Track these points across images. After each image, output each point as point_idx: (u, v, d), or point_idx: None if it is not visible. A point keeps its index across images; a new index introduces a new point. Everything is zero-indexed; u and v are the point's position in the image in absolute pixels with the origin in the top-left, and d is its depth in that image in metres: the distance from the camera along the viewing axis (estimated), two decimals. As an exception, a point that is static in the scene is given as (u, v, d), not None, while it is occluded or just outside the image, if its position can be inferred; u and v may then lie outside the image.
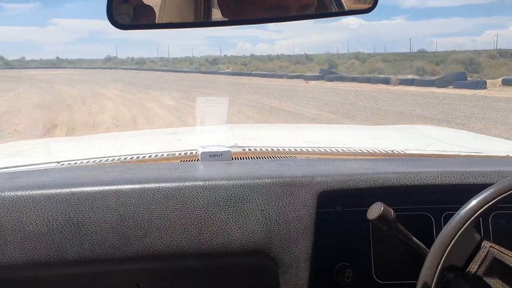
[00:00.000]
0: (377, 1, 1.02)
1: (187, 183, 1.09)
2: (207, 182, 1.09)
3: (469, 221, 0.91)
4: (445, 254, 0.89)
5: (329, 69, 33.83)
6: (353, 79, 27.40)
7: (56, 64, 74.20)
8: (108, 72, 45.44)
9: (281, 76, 33.30)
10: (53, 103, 16.34)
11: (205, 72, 41.43)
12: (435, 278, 0.88)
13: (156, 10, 1.00)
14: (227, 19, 1.02)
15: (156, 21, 0.99)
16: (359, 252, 1.17)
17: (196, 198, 1.07)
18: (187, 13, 1.06)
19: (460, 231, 0.91)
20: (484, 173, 1.15)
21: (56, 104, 16.12)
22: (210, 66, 51.22)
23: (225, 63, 53.92)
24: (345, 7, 1.07)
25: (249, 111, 13.32)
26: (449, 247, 0.90)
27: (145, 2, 0.97)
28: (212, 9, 1.06)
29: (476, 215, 0.92)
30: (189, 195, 1.07)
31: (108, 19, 0.88)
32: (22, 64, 76.80)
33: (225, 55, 67.13)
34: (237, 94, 19.70)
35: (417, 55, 39.16)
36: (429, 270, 0.89)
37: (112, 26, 0.89)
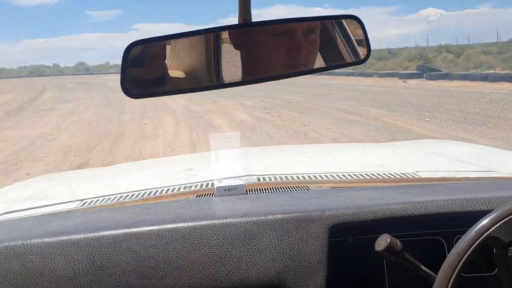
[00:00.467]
0: (370, 52, 1.11)
1: (203, 222, 1.15)
2: (222, 221, 1.15)
3: (479, 240, 0.94)
4: (453, 276, 0.92)
5: (425, 64, 30.77)
6: (464, 77, 23.49)
7: None
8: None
9: (369, 75, 30.59)
10: (106, 121, 14.73)
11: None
12: None
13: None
14: (240, 80, 1.07)
15: (167, 87, 1.05)
16: (374, 281, 1.20)
17: (212, 236, 1.13)
18: (198, 76, 1.09)
19: (468, 253, 0.94)
20: (491, 199, 1.18)
21: (108, 122, 14.44)
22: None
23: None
24: (345, 59, 1.14)
25: (353, 132, 10.51)
26: (457, 269, 0.93)
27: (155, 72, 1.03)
28: (223, 69, 1.09)
29: (486, 234, 0.95)
30: (205, 234, 1.13)
31: (122, 89, 0.96)
32: (104, 69, 79.49)
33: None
34: (326, 100, 17.43)
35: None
36: None
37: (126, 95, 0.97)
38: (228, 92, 19.50)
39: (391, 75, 29.19)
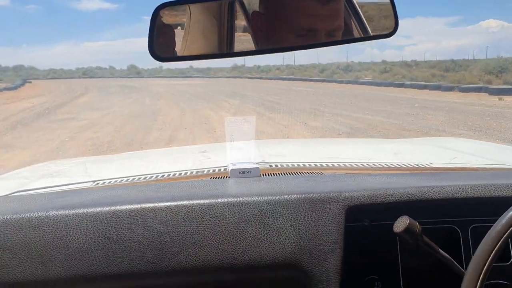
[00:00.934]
0: (398, 25, 1.06)
1: (219, 200, 1.15)
2: (238, 199, 1.15)
3: (510, 230, 0.90)
4: (485, 268, 0.89)
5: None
6: None
7: (186, 73, 73.75)
8: (231, 82, 41.95)
9: (449, 88, 25.52)
10: (124, 143, 11.30)
11: (340, 81, 35.39)
12: None
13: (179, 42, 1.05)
14: (254, 49, 1.08)
15: (183, 53, 1.05)
16: (387, 265, 1.19)
17: (228, 214, 1.13)
18: (211, 43, 1.11)
19: (500, 241, 0.90)
20: (510, 186, 1.17)
21: (127, 146, 10.82)
22: (344, 73, 44.71)
23: (360, 70, 47.21)
24: (369, 31, 1.12)
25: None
26: (489, 259, 0.90)
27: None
28: (237, 37, 1.11)
29: None
30: (221, 211, 1.13)
31: (149, 52, 0.97)
32: (155, 73, 78.21)
33: (352, 61, 61.88)
34: (419, 125, 12.98)
35: None
36: (469, 285, 0.89)
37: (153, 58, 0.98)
38: (284, 105, 17.34)
39: (478, 90, 24.43)
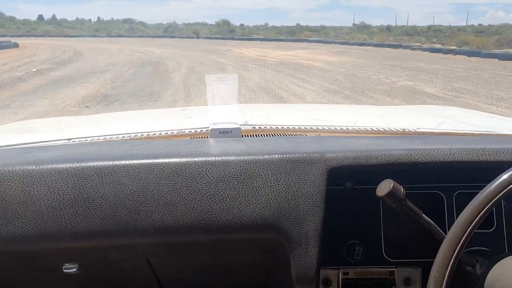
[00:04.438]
0: None
1: (196, 159, 1.10)
2: (216, 158, 1.11)
3: (498, 196, 0.87)
4: (465, 234, 0.87)
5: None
6: None
7: (295, 32, 61.29)
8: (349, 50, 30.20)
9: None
10: None
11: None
12: (452, 259, 0.86)
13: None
14: None
15: None
16: (369, 230, 1.17)
17: (206, 173, 1.09)
18: None
19: (486, 207, 0.87)
20: (498, 150, 1.13)
21: None
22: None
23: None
24: None
25: None
26: (472, 225, 0.87)
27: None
28: None
29: (506, 190, 0.88)
30: (198, 170, 1.09)
31: None
32: (257, 31, 66.99)
33: (472, 25, 56.71)
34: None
35: None
36: (447, 250, 0.87)
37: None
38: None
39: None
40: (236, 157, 1.11)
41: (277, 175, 1.09)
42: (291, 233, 1.07)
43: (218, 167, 1.09)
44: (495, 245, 1.15)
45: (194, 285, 1.36)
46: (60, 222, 1.06)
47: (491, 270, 1.00)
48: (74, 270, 1.17)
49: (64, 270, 1.17)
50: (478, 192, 0.90)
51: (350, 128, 1.61)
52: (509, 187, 0.86)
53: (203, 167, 1.09)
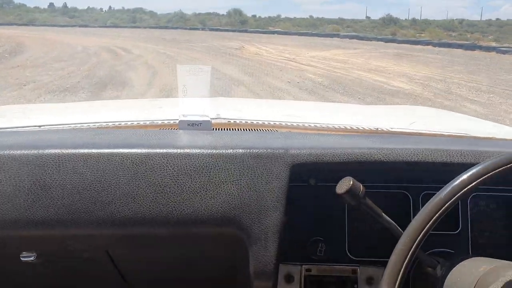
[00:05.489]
0: None
1: (158, 150, 1.08)
2: (178, 150, 1.09)
3: (456, 196, 0.86)
4: (420, 235, 0.85)
5: None
6: None
7: (316, 24, 50.81)
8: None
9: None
10: None
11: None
12: (407, 258, 0.85)
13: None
14: None
15: None
16: (333, 227, 1.17)
17: (167, 165, 1.07)
18: None
19: (444, 207, 0.86)
20: (466, 152, 1.13)
21: None
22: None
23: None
24: None
25: None
26: (427, 226, 0.86)
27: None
28: None
29: (465, 190, 0.87)
30: (159, 162, 1.07)
31: None
32: (269, 23, 56.89)
33: (489, 19, 51.85)
34: None
35: None
36: (402, 249, 0.86)
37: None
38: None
39: None
40: (199, 150, 1.09)
41: (240, 170, 1.08)
42: (251, 228, 1.06)
43: (180, 159, 1.08)
44: (459, 248, 1.15)
45: (157, 278, 1.34)
46: (18, 210, 1.04)
47: (451, 272, 1.00)
48: (32, 258, 1.15)
49: (22, 259, 1.14)
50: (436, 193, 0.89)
51: (321, 125, 1.60)
52: (467, 187, 0.86)
53: (164, 159, 1.07)
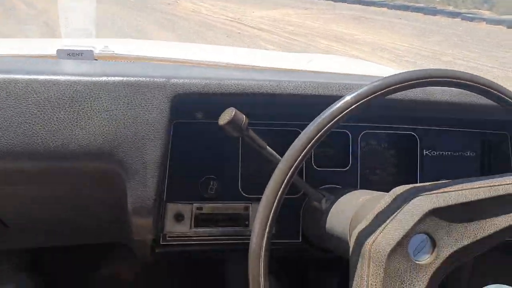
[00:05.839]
0: None
1: (22, 77, 0.97)
2: (46, 77, 0.98)
3: (338, 117, 0.82)
4: (300, 157, 0.81)
5: None
6: None
7: None
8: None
9: None
10: None
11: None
12: (282, 186, 0.81)
13: None
14: None
15: None
16: (225, 165, 1.14)
17: (32, 93, 0.96)
18: None
19: (325, 128, 0.82)
20: (355, 86, 1.10)
21: None
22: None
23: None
24: None
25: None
26: (307, 148, 0.81)
27: None
28: None
29: (346, 112, 0.82)
30: (24, 90, 0.97)
31: None
32: None
33: None
34: None
35: None
36: (279, 176, 0.82)
37: None
38: None
39: None
40: (68, 77, 0.99)
41: (115, 99, 0.99)
42: (128, 162, 0.99)
43: (48, 87, 0.98)
44: (348, 184, 1.17)
45: (38, 220, 1.26)
46: None
47: (334, 205, 1.01)
48: None
49: None
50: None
51: (214, 62, 1.55)
52: (350, 108, 0.82)
53: (29, 87, 0.97)
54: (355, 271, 0.81)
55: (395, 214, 0.79)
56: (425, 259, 0.79)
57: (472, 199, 0.81)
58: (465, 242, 0.80)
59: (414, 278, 0.78)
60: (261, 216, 0.80)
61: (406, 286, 0.77)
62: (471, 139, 1.28)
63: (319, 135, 0.82)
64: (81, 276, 1.68)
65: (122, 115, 0.99)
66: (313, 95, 1.10)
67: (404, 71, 0.88)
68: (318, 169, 1.19)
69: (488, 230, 0.82)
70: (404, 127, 1.23)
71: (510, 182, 0.83)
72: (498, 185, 0.83)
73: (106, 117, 0.98)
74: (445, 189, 0.81)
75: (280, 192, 0.80)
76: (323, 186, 1.17)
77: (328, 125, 0.82)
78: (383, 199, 0.83)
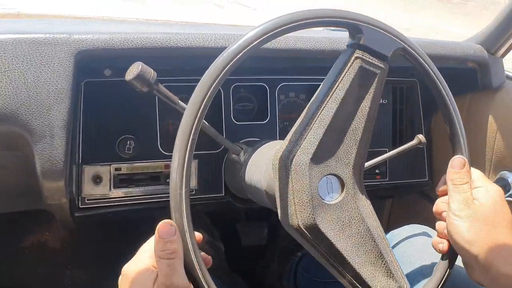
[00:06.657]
0: None
1: None
2: None
3: (241, 53, 0.78)
4: (206, 98, 0.78)
5: None
6: None
7: None
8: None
9: None
10: None
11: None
12: (193, 129, 0.77)
13: None
14: None
15: None
16: (142, 123, 1.12)
17: None
18: None
19: (229, 65, 0.78)
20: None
21: None
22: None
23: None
24: None
25: None
26: (212, 87, 0.78)
27: None
28: None
29: (249, 47, 0.78)
30: None
31: None
32: None
33: None
34: None
35: None
36: (186, 119, 0.78)
37: None
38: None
39: None
40: None
41: (13, 58, 0.93)
42: (32, 124, 0.94)
43: None
44: (268, 137, 1.17)
45: None
46: None
47: (252, 156, 1.02)
48: None
49: None
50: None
51: (118, 17, 1.48)
52: (252, 44, 0.78)
53: None
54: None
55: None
56: None
57: None
58: None
59: None
60: (178, 155, 0.75)
61: None
62: (384, 87, 1.31)
63: (225, 70, 0.79)
64: (5, 245, 1.63)
65: (22, 75, 0.93)
66: (221, 48, 1.07)
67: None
68: (238, 123, 1.19)
69: None
70: (318, 77, 1.22)
71: None
72: None
73: (4, 78, 0.92)
74: None
75: (190, 141, 0.77)
76: (242, 140, 1.18)
77: (228, 66, 0.79)
78: None
